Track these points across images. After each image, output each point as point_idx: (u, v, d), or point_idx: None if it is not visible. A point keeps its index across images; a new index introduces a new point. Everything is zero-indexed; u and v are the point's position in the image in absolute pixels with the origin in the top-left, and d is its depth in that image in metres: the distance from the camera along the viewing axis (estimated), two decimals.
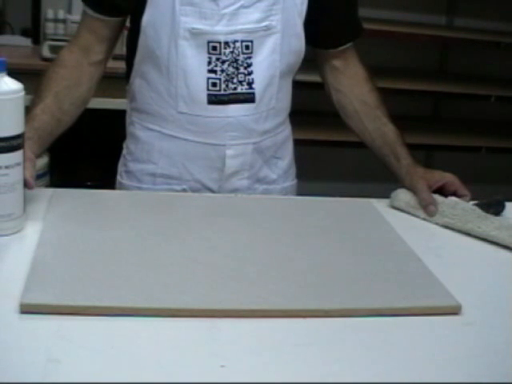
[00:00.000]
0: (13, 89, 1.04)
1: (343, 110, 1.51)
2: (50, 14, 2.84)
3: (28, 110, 1.22)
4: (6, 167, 1.04)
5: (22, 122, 1.07)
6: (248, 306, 0.92)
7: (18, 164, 1.06)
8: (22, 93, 1.05)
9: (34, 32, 2.87)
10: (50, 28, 2.84)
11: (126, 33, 1.44)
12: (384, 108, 1.47)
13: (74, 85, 1.35)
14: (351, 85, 1.49)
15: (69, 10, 2.85)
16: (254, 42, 1.34)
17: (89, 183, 2.12)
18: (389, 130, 1.44)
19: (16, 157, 1.05)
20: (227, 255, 1.06)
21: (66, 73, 1.35)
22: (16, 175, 1.06)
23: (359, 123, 1.48)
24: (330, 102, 1.53)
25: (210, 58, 1.33)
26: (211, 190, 1.42)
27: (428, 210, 1.30)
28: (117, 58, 1.52)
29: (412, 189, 1.34)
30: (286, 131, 1.52)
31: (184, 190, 1.42)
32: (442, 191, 1.34)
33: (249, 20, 1.32)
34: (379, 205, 1.35)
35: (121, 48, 1.54)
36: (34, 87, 1.32)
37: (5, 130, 1.03)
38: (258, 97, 1.37)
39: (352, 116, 1.49)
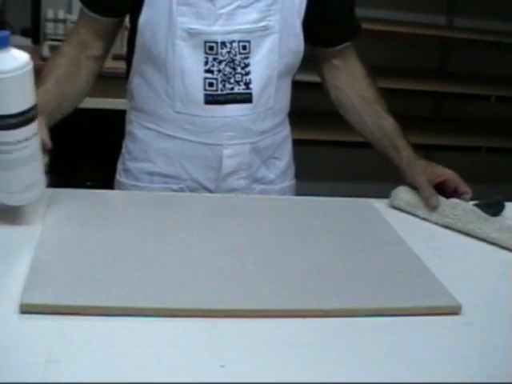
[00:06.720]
0: (22, 63, 1.04)
1: (342, 106, 1.51)
2: (49, 13, 2.84)
3: None
4: (26, 139, 1.06)
5: (34, 93, 1.08)
6: (248, 306, 0.92)
7: (35, 134, 1.08)
8: (31, 64, 1.06)
9: (34, 32, 2.87)
10: (50, 28, 2.84)
11: (126, 32, 1.44)
12: (383, 102, 1.47)
13: (73, 73, 1.36)
14: (349, 82, 1.49)
15: (69, 10, 2.85)
16: (252, 42, 1.33)
17: (89, 183, 2.12)
18: (388, 123, 1.44)
19: (33, 128, 1.08)
20: (227, 255, 1.06)
21: (66, 61, 1.36)
22: (35, 144, 1.09)
23: (358, 118, 1.48)
24: (330, 102, 1.53)
25: (206, 57, 1.32)
26: (208, 190, 1.42)
27: (430, 203, 1.29)
28: (116, 57, 1.52)
29: (413, 183, 1.34)
30: (285, 131, 1.51)
31: (181, 189, 1.42)
32: (443, 188, 1.34)
33: (246, 20, 1.32)
34: (379, 205, 1.35)
35: (120, 48, 1.54)
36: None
37: (20, 105, 1.04)
38: (255, 97, 1.37)
39: (351, 111, 1.49)
